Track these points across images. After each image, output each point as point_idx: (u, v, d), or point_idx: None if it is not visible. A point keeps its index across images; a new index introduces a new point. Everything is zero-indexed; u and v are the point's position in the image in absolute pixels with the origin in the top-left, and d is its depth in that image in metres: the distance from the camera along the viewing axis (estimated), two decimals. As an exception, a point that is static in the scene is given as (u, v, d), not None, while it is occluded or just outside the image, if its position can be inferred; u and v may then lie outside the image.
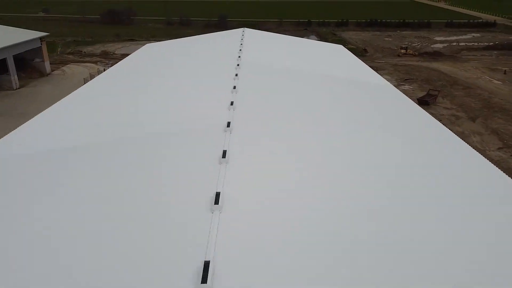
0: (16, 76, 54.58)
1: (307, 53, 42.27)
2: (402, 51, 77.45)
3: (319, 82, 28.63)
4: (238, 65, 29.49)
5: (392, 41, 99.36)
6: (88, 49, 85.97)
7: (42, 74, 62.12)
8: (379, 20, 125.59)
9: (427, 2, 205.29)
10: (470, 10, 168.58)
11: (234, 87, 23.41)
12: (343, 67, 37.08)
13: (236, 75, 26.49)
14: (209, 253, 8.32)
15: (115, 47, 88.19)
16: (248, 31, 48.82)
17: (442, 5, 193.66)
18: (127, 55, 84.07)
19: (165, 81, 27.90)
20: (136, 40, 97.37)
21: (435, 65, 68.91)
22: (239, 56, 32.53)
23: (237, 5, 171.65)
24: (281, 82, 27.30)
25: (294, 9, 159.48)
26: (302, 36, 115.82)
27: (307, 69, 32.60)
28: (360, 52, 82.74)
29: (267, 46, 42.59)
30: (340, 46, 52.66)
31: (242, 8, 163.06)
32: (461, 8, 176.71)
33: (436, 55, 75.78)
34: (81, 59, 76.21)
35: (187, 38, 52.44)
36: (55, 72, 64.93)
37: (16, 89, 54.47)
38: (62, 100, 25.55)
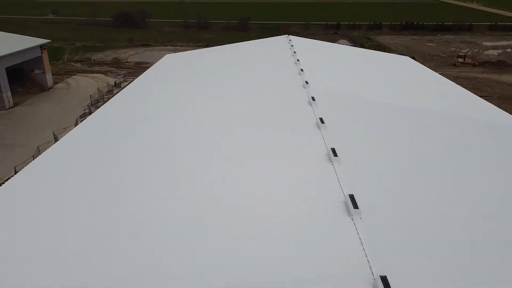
0: (9, 93, 45.30)
1: (379, 70, 32.12)
2: (460, 60, 66.56)
3: (430, 123, 18.52)
4: (313, 99, 19.47)
5: (436, 47, 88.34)
6: (98, 56, 76.78)
7: (42, 88, 52.89)
8: (415, 23, 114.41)
9: (457, 2, 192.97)
10: (504, 10, 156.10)
11: (333, 151, 13.37)
12: (439, 93, 26.90)
13: (322, 121, 16.50)
14: (379, 267, 7.93)
15: (128, 54, 78.88)
16: (295, 40, 38.76)
17: (474, 5, 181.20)
18: (141, 63, 74.70)
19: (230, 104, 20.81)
20: (151, 46, 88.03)
21: (506, 78, 58.01)
22: (307, 82, 22.56)
23: (258, 7, 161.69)
24: (381, 126, 17.32)
25: (319, 11, 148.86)
26: (332, 41, 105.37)
27: (399, 100, 22.50)
28: (407, 61, 72.07)
29: (327, 62, 32.53)
30: (407, 58, 42.35)
31: (264, 9, 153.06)
32: (495, 8, 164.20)
33: (501, 65, 64.79)
34: (90, 68, 66.96)
35: (220, 48, 42.52)
36: (59, 85, 55.64)
37: (9, 108, 45.18)
38: (73, 133, 16.39)
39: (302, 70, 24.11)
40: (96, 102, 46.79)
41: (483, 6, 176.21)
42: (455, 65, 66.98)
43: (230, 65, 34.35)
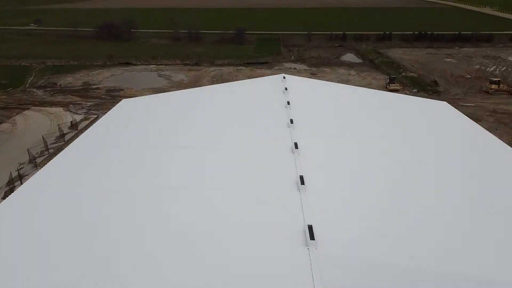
0: None
1: (401, 129, 22.05)
2: (493, 86, 55.53)
3: None
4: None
5: (458, 64, 77.30)
6: (67, 79, 66.14)
7: (-22, 132, 42.39)
8: (428, 33, 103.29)
9: (469, 7, 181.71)
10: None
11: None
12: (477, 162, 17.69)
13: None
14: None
15: (102, 76, 68.23)
16: (293, 85, 27.88)
17: (488, 10, 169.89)
18: (114, 90, 63.43)
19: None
20: (132, 65, 77.31)
21: (557, 113, 46.98)
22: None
23: (255, 14, 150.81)
24: None
25: (323, 18, 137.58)
26: (338, 55, 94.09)
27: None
28: (429, 85, 61.17)
29: (336, 126, 21.92)
30: (444, 104, 31.28)
31: (262, 17, 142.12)
32: (510, 14, 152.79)
33: (545, 93, 53.69)
34: (51, 98, 56.36)
35: (193, 92, 31.57)
36: (2, 126, 45.06)
37: None
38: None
39: (296, 147, 14.23)
40: (34, 159, 36.08)
41: (498, 11, 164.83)
42: (487, 92, 55.97)
43: (203, 118, 24.19)
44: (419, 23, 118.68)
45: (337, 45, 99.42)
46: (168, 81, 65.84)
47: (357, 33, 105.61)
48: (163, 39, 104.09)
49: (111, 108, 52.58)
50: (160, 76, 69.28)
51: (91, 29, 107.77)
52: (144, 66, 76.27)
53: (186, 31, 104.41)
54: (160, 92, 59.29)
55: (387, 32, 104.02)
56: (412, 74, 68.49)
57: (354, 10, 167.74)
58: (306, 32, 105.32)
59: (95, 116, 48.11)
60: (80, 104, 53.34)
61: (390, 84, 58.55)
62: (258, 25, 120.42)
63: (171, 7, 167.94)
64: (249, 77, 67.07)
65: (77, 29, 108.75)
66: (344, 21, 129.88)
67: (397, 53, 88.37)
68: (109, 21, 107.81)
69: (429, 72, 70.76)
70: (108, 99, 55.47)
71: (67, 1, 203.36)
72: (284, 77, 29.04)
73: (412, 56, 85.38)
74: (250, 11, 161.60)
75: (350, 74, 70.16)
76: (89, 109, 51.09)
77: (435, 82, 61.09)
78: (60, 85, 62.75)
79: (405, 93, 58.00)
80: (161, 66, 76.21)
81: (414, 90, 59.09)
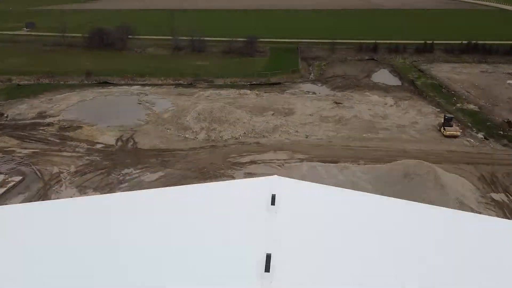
0: None
1: None
2: None
3: None
4: None
5: (527, 89, 59.43)
6: (20, 107, 51.88)
7: None
8: (480, 43, 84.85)
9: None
10: None
11: None
12: None
13: None
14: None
15: (66, 103, 53.65)
16: (285, 192, 12.27)
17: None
18: (70, 127, 37.66)
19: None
20: (111, 85, 62.67)
21: None
22: None
23: (269, 18, 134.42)
24: None
25: (349, 21, 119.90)
26: (369, 73, 76.08)
27: None
28: (500, 128, 43.90)
29: None
30: None
31: (276, 21, 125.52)
32: None
33: None
34: (-17, 140, 42.15)
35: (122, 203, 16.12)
36: None
37: None
38: None
39: None
40: None
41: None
42: None
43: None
44: (463, 29, 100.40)
45: (367, 57, 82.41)
46: (147, 111, 50.73)
47: (391, 42, 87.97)
48: (161, 48, 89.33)
49: (50, 160, 37.43)
50: (140, 103, 54.28)
51: (81, 35, 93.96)
52: (125, 88, 61.50)
53: (189, 37, 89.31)
54: (128, 131, 43.73)
55: (429, 42, 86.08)
56: (472, 106, 51.21)
57: (381, 12, 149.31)
58: (329, 41, 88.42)
59: (20, 179, 33.45)
60: (13, 152, 38.75)
61: (445, 128, 41.80)
62: (274, 30, 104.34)
63: (180, 8, 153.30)
64: (252, 108, 51.29)
65: (64, 34, 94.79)
66: (373, 26, 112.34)
67: (444, 71, 70.90)
68: (100, 28, 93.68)
69: (493, 102, 53.35)
70: (54, 143, 40.76)
71: (76, 1, 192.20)
72: (273, 198, 13.22)
73: (464, 76, 67.80)
74: (266, 13, 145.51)
75: (386, 103, 53.48)
76: (19, 163, 36.42)
77: (509, 124, 43.83)
78: (7, 116, 48.62)
79: (468, 141, 41.19)
80: (146, 88, 61.27)
81: (480, 136, 42.08)
